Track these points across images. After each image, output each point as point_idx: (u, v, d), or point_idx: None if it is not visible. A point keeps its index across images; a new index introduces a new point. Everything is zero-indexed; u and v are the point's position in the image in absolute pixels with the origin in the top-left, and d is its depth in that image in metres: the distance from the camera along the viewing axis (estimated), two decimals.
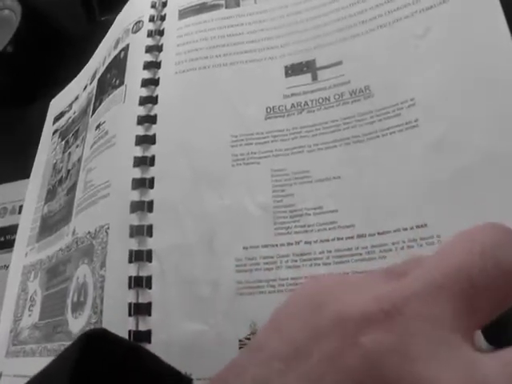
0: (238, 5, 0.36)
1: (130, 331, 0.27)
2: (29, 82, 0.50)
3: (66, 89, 0.46)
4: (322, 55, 0.31)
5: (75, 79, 0.45)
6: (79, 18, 0.52)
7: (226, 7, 0.36)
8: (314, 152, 0.29)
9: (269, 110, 0.31)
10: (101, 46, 0.42)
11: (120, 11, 0.41)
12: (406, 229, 0.25)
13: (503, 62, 0.26)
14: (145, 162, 0.31)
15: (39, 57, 0.51)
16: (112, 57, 0.39)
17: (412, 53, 0.29)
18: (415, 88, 0.27)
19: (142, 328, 0.27)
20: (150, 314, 0.27)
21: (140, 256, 0.29)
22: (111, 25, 0.42)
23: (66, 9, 0.53)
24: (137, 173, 0.31)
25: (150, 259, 0.28)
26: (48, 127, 0.45)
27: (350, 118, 0.29)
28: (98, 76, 0.40)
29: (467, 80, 0.26)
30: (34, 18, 0.50)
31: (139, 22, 0.39)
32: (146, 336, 0.27)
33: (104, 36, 0.43)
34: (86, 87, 0.42)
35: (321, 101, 0.30)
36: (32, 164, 0.44)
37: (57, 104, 0.46)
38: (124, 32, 0.39)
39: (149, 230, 0.29)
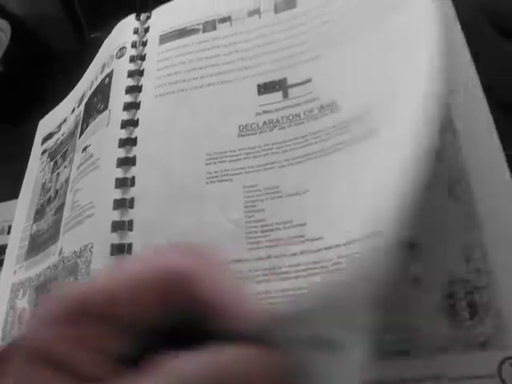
0: (214, 28, 0.37)
1: None
2: (20, 101, 0.51)
3: (55, 110, 0.47)
4: (293, 74, 0.32)
5: (64, 101, 0.47)
6: (69, 37, 0.54)
7: (204, 31, 0.37)
8: (285, 167, 0.30)
9: (241, 127, 0.32)
10: (89, 69, 0.44)
11: (109, 29, 0.43)
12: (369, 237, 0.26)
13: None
14: (125, 183, 0.33)
15: (30, 75, 0.52)
16: (98, 81, 0.41)
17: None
18: (376, 96, 0.28)
19: None
20: None
21: None
22: (101, 42, 0.43)
23: (56, 27, 0.55)
24: (118, 194, 0.32)
25: None
26: (37, 148, 0.47)
27: (319, 133, 0.30)
28: (85, 100, 0.42)
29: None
30: (24, 37, 0.51)
31: (123, 47, 0.40)
32: None
33: (94, 54, 0.44)
34: (73, 110, 0.44)
35: (291, 117, 0.31)
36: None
37: (45, 125, 0.48)
38: (109, 57, 0.41)
39: (129, 248, 0.30)
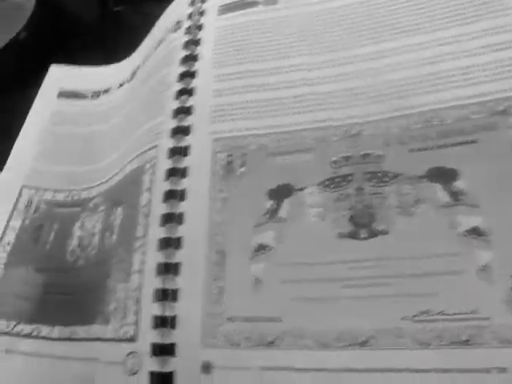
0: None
1: None
2: (39, 69, 0.47)
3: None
4: None
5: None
6: (93, 8, 0.51)
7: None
8: None
9: None
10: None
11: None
12: None
13: None
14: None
15: (51, 44, 0.50)
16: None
17: None
18: None
19: None
20: None
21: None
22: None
23: None
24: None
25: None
26: None
27: None
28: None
29: None
30: (48, 5, 0.49)
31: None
32: None
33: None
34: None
35: None
36: None
37: None
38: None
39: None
